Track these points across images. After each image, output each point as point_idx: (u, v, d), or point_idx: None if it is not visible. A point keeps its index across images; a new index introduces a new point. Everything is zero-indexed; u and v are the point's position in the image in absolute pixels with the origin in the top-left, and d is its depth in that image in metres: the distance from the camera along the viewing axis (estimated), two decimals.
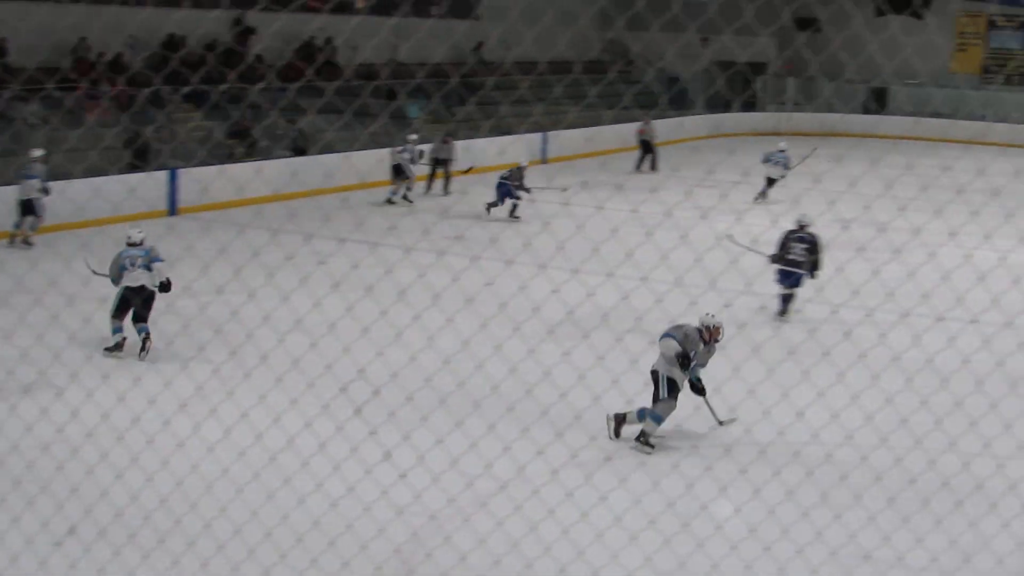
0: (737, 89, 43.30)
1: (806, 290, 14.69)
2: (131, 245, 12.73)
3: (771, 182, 25.21)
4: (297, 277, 10.87)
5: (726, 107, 41.65)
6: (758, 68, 43.18)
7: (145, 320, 12.49)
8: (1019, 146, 39.60)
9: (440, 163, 25.84)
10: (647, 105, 33.82)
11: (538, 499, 7.83)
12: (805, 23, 39.07)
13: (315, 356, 9.46)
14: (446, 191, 25.87)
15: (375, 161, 23.99)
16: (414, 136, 24.61)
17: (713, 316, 9.93)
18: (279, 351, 10.80)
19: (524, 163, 23.52)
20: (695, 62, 38.44)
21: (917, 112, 40.43)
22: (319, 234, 17.82)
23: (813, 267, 15.03)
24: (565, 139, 31.73)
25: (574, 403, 8.91)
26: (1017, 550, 8.23)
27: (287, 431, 8.03)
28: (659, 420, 10.01)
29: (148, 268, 12.55)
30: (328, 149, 24.66)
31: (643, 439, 10.01)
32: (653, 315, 10.89)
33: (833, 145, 31.30)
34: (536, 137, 31.53)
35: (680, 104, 38.02)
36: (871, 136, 38.44)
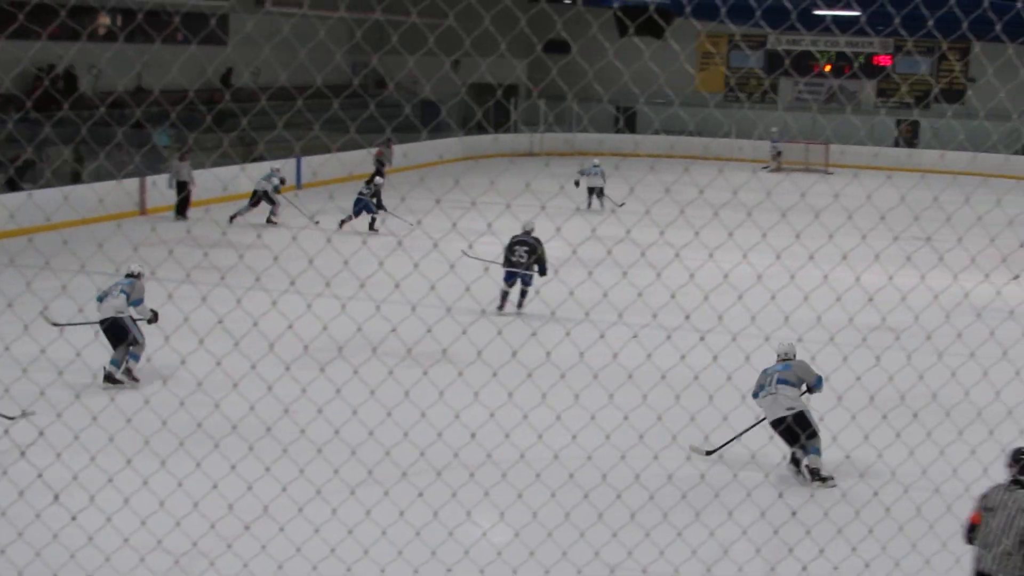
0: (492, 112, 43.97)
1: (568, 315, 14.97)
2: (128, 276, 13.77)
3: (592, 191, 29.44)
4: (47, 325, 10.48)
5: (481, 130, 42.20)
6: (511, 91, 44.01)
7: (119, 345, 13.31)
8: (765, 162, 41.39)
9: (182, 186, 26.07)
10: (404, 129, 34.00)
11: (284, 537, 7.79)
12: (554, 46, 39.90)
13: (43, 404, 9.17)
14: (184, 215, 26.36)
15: (125, 192, 23.75)
16: (278, 166, 26.75)
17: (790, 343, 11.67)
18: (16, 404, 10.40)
19: (381, 180, 25.61)
20: (449, 86, 38.83)
21: (667, 131, 41.79)
22: (64, 269, 17.24)
23: (539, 267, 17.67)
24: (320, 165, 31.62)
25: (315, 437, 8.93)
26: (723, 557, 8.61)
27: (17, 484, 7.83)
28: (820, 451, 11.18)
29: (126, 295, 13.40)
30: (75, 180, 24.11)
31: (821, 476, 11.14)
32: (424, 343, 10.91)
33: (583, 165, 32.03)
34: (290, 163, 31.33)
35: (436, 127, 38.38)
36: (623, 155, 39.51)
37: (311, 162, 31.61)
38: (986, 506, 7.29)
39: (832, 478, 11.04)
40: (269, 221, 25.77)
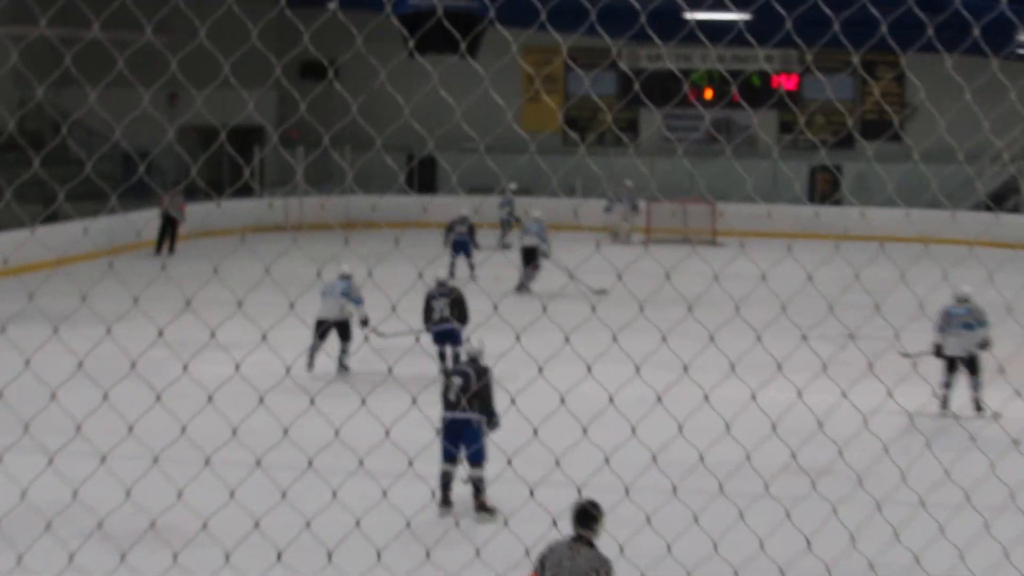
0: (227, 167, 42.95)
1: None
2: (342, 277, 22.61)
3: (528, 255, 33.17)
4: None
5: (210, 191, 41.38)
6: (252, 135, 42.88)
7: (345, 340, 22.84)
8: (608, 230, 41.35)
9: None
10: (93, 196, 33.49)
11: None
12: (315, 70, 38.80)
13: None
14: None
15: None
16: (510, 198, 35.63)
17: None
18: None
19: (466, 212, 34.18)
20: (162, 130, 38.17)
21: (479, 189, 41.51)
22: None
23: (461, 316, 22.21)
24: None
25: None
26: None
27: None
28: None
29: (348, 295, 22.39)
30: None
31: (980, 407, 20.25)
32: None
33: (366, 240, 31.91)
34: None
35: (145, 189, 37.82)
36: (416, 225, 39.44)
37: None
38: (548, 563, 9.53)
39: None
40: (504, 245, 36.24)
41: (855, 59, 43.50)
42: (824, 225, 38.36)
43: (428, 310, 22.52)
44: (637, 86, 46.04)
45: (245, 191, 42.22)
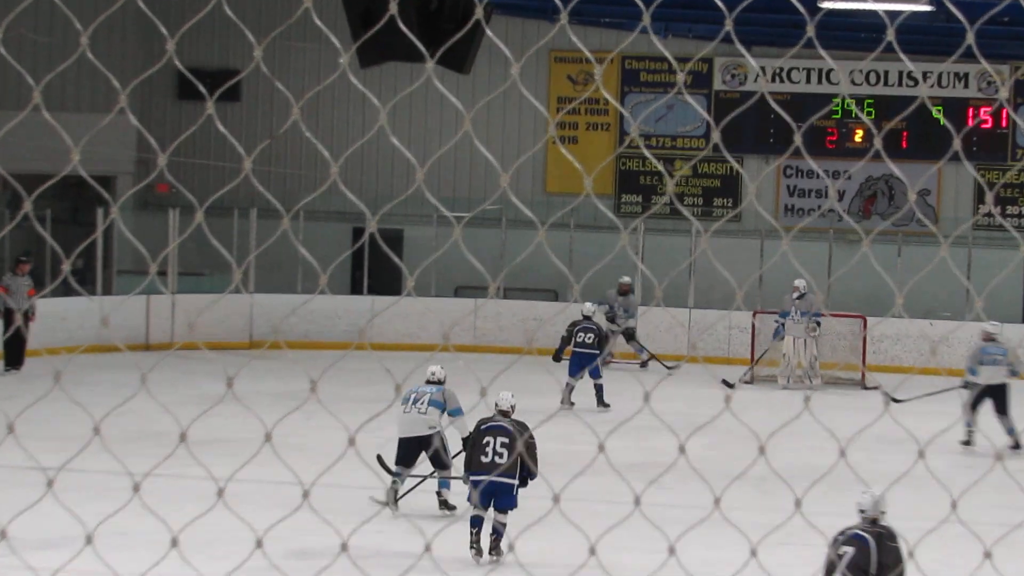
0: (45, 247, 42.71)
1: None
2: (429, 382, 25.32)
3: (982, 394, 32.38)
4: None
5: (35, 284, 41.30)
6: (91, 193, 42.79)
7: (438, 466, 25.11)
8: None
9: None
10: None
11: None
12: (198, 84, 38.24)
13: None
14: None
15: None
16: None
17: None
18: None
19: (591, 307, 38.11)
20: None
21: (468, 287, 41.45)
22: None
23: (523, 478, 22.01)
24: None
25: None
26: None
27: None
28: None
29: (439, 406, 24.94)
30: None
31: None
32: None
33: (283, 372, 32.21)
34: None
35: None
36: (357, 348, 39.35)
37: None
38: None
39: None
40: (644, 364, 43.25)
41: None
42: None
43: (477, 448, 22.73)
44: (716, 130, 45.18)
45: (81, 280, 41.57)
